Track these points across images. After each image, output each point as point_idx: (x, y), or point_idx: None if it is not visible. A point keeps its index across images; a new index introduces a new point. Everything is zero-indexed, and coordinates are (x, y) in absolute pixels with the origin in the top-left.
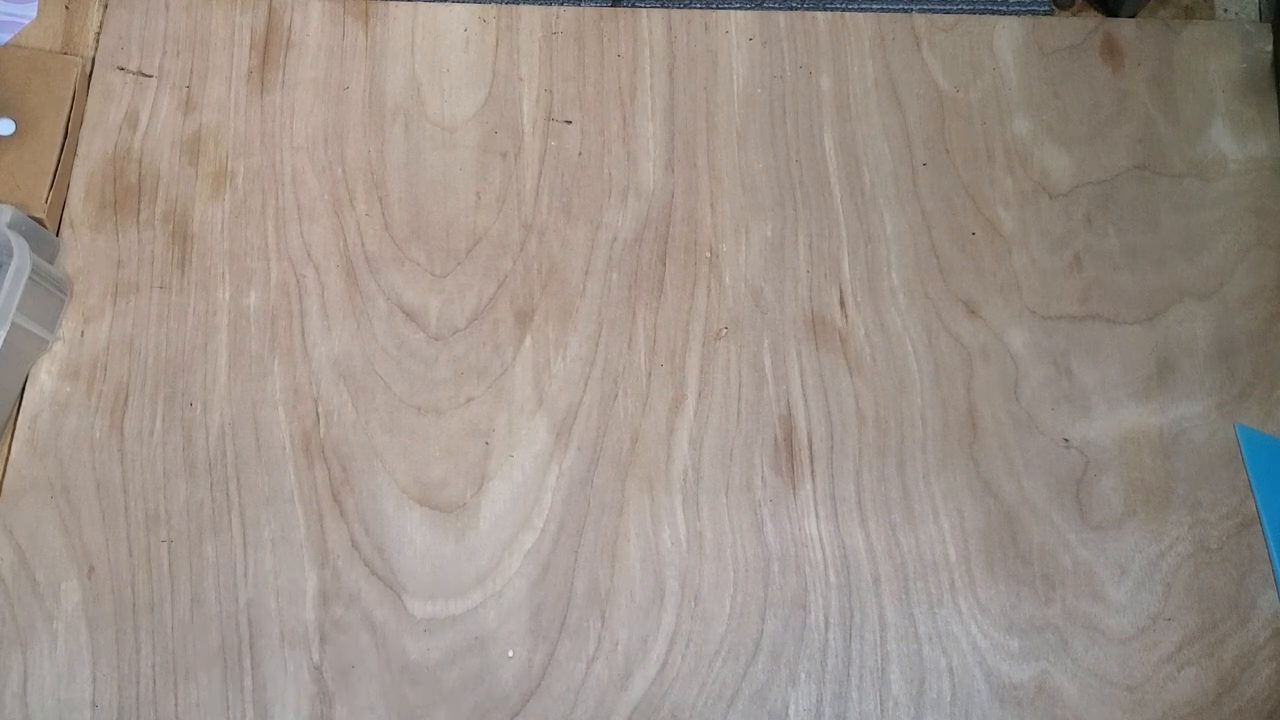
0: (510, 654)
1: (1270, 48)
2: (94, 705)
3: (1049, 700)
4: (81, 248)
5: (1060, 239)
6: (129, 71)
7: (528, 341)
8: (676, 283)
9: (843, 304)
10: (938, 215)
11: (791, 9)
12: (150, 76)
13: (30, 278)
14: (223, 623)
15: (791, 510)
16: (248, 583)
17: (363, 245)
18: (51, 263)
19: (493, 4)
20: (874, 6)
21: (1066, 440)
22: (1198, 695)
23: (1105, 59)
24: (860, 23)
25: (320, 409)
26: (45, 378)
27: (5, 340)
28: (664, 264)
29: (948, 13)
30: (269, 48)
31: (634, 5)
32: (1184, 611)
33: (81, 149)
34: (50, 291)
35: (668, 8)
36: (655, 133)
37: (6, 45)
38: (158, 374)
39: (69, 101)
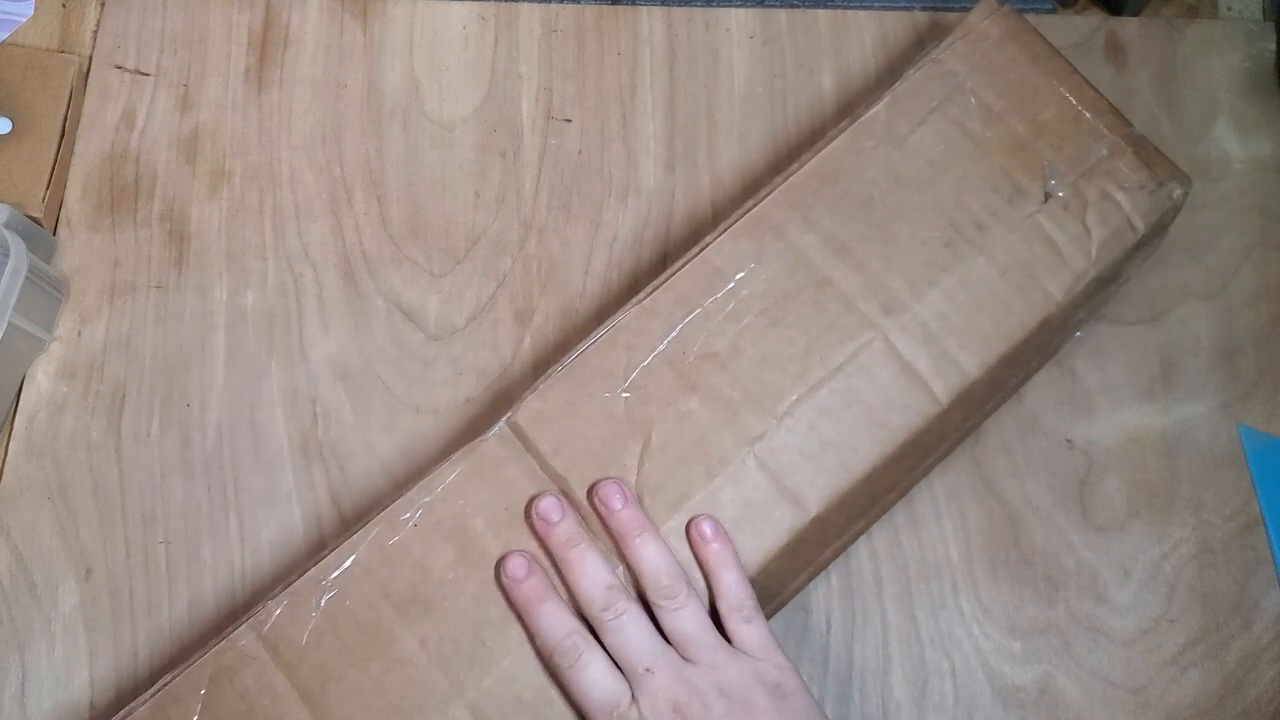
0: None
1: (1274, 47)
2: (92, 707)
3: (1052, 702)
4: (78, 247)
5: None
6: (126, 70)
7: (526, 341)
8: None
9: None
10: None
11: (793, 7)
12: (147, 75)
13: (27, 277)
14: (221, 625)
15: None
16: (245, 584)
17: (361, 244)
18: (48, 262)
19: (492, 2)
20: (875, 4)
21: (1069, 441)
22: (1201, 697)
23: (1109, 58)
24: (862, 21)
25: (318, 409)
26: (42, 378)
27: (1, 340)
28: (664, 264)
29: (950, 10)
30: (266, 46)
31: (634, 3)
32: (1187, 613)
33: (78, 148)
34: (47, 291)
35: (668, 5)
36: (655, 131)
37: (3, 44)
38: (155, 374)
39: (66, 100)
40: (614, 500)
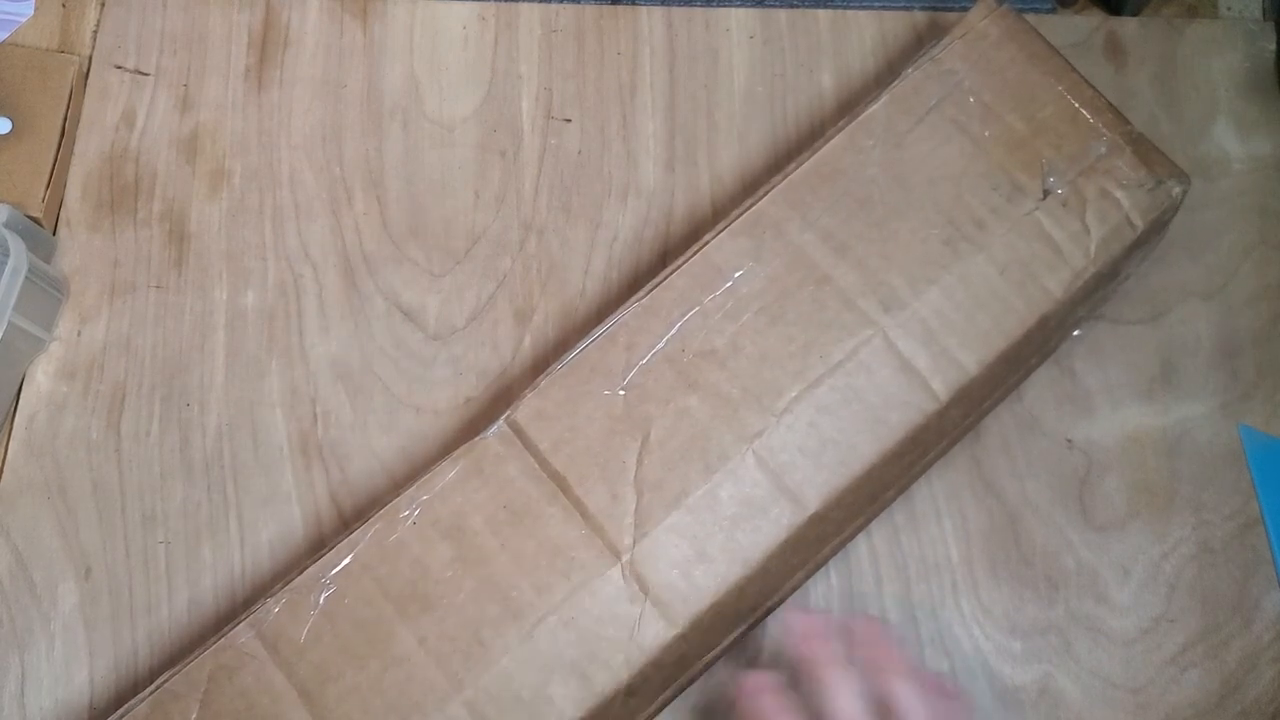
0: None
1: (1274, 47)
2: (91, 706)
3: (1052, 703)
4: (78, 247)
5: None
6: (126, 70)
7: (526, 341)
8: None
9: None
10: None
11: (793, 7)
12: (147, 75)
13: (27, 277)
14: (220, 625)
15: None
16: (245, 584)
17: (360, 244)
18: (48, 262)
19: (492, 2)
20: (875, 4)
21: (1069, 441)
22: (1201, 697)
23: (1108, 57)
24: (862, 20)
25: (318, 409)
26: (42, 378)
27: (1, 340)
28: (664, 264)
29: (950, 10)
30: (266, 46)
31: (634, 3)
32: (1187, 613)
33: (78, 148)
34: (47, 291)
35: (668, 5)
36: (655, 131)
37: (3, 44)
38: (155, 374)
39: (66, 100)
40: (871, 631)
